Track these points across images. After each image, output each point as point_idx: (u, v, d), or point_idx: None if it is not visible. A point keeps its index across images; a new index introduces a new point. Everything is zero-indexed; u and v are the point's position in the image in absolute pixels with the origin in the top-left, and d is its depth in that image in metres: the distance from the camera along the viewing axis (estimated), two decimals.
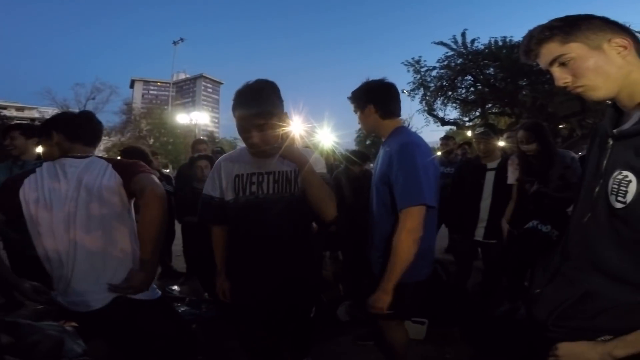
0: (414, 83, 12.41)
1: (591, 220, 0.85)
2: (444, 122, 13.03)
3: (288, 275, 1.39)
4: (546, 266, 1.00)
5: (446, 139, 4.87)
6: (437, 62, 11.80)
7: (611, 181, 0.79)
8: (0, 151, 2.49)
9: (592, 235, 0.84)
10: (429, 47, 12.54)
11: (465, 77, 11.98)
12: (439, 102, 12.62)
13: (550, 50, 0.84)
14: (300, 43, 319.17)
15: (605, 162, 0.83)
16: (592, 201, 0.85)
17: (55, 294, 1.38)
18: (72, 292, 1.33)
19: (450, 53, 11.43)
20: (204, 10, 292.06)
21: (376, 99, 1.61)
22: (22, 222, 1.36)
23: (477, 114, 13.06)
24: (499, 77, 11.32)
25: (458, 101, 12.80)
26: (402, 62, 12.23)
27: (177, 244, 4.00)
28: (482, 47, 11.07)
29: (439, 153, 4.80)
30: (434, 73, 12.07)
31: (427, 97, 12.42)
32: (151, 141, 29.47)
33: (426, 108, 12.72)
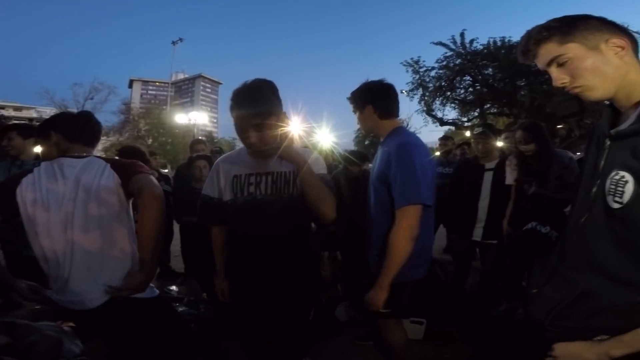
0: (412, 83, 12.43)
1: (589, 220, 0.85)
2: (442, 122, 13.05)
3: (287, 276, 1.38)
4: (543, 266, 1.00)
5: (445, 139, 4.87)
6: (436, 62, 11.82)
7: (608, 181, 0.79)
8: None
9: (589, 236, 0.84)
10: (428, 47, 12.57)
11: (464, 78, 12.01)
12: (437, 102, 12.65)
13: (548, 50, 0.84)
14: (299, 43, 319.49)
15: (602, 162, 0.83)
16: (590, 201, 0.85)
17: (51, 292, 1.38)
18: (69, 292, 1.32)
19: (449, 53, 11.45)
20: (203, 10, 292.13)
21: (375, 99, 1.63)
22: (19, 222, 1.36)
23: (476, 114, 13.08)
24: (497, 78, 11.34)
25: (457, 101, 12.82)
26: (401, 62, 12.25)
27: (176, 244, 3.99)
28: (481, 47, 11.10)
29: (437, 153, 4.80)
30: (432, 73, 12.09)
31: (426, 98, 12.44)
32: (150, 141, 29.42)
33: (425, 108, 12.74)
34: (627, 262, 0.77)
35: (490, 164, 2.66)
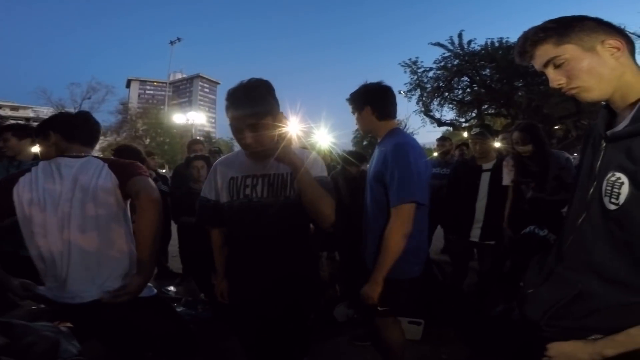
0: (410, 84, 12.48)
1: (585, 221, 0.85)
2: (440, 123, 13.10)
3: (285, 275, 1.37)
4: (541, 266, 1.00)
5: (442, 139, 4.88)
6: (434, 63, 11.88)
7: (605, 183, 0.79)
8: None
9: (586, 236, 0.85)
10: (426, 47, 12.60)
11: (462, 78, 12.06)
12: (435, 103, 12.70)
13: (544, 51, 0.85)
14: (298, 43, 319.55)
15: (598, 163, 0.84)
16: (587, 202, 0.85)
17: (44, 288, 1.37)
18: (67, 291, 1.32)
19: (447, 54, 11.51)
20: (202, 10, 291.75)
21: (373, 100, 1.68)
22: (14, 221, 1.35)
23: (473, 115, 13.14)
24: (495, 78, 11.40)
25: (454, 102, 12.87)
26: (399, 63, 12.30)
27: (173, 245, 3.98)
28: (479, 48, 11.15)
29: (435, 154, 4.80)
30: (430, 74, 12.15)
31: (424, 98, 12.48)
32: (147, 141, 29.36)
33: (423, 109, 12.78)
34: (623, 263, 0.77)
35: (488, 165, 2.67)
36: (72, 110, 24.33)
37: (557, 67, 0.84)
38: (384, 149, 1.61)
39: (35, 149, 2.50)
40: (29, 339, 1.23)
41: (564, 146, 9.53)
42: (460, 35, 11.21)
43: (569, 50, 0.81)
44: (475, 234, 2.66)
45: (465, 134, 11.51)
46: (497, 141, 3.04)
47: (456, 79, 11.96)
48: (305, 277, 1.43)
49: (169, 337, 1.52)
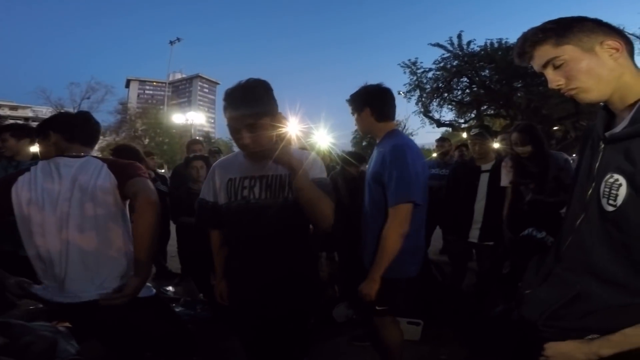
0: (410, 84, 12.51)
1: (584, 222, 0.85)
2: (439, 123, 13.12)
3: (285, 274, 1.36)
4: (539, 267, 1.00)
5: (442, 140, 4.88)
6: (433, 63, 11.91)
7: (603, 184, 0.79)
8: None
9: (584, 238, 0.85)
10: (426, 48, 12.65)
11: (461, 79, 12.08)
12: (434, 103, 12.72)
13: (543, 52, 0.85)
14: (297, 43, 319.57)
15: (597, 164, 0.84)
16: (585, 203, 0.85)
17: (41, 287, 1.37)
18: (65, 291, 1.31)
19: (447, 55, 11.53)
20: (201, 10, 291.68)
21: (373, 102, 1.71)
22: (13, 221, 1.35)
23: (473, 115, 13.17)
24: (494, 79, 11.43)
25: (454, 103, 12.90)
26: (399, 64, 12.32)
27: (172, 245, 3.98)
28: (478, 49, 11.18)
29: (434, 155, 4.80)
30: (430, 75, 12.18)
31: (423, 99, 12.51)
32: (146, 141, 29.34)
33: (422, 109, 12.80)
34: (621, 265, 0.78)
35: (487, 166, 2.68)
36: (71, 110, 24.33)
37: (556, 68, 0.84)
38: (383, 150, 1.64)
39: (34, 148, 2.50)
40: (26, 339, 1.23)
41: (563, 147, 9.55)
42: (459, 36, 11.24)
43: (568, 51, 0.81)
44: (474, 234, 2.66)
45: (465, 135, 11.53)
46: (496, 142, 3.05)
47: (455, 79, 11.98)
48: (304, 278, 1.43)
49: (167, 338, 1.52)
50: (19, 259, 1.84)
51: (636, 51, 0.90)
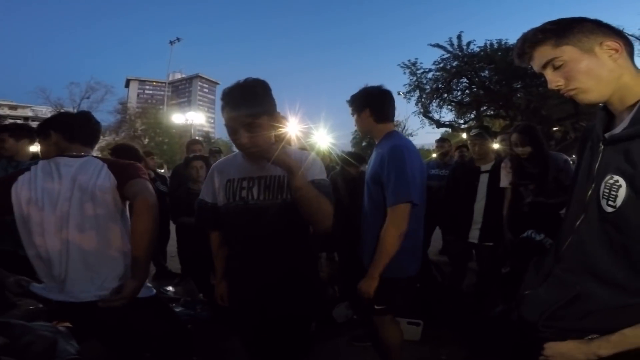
0: (409, 85, 12.51)
1: (583, 223, 0.85)
2: (439, 124, 13.11)
3: (284, 279, 1.35)
4: (539, 268, 1.00)
5: (441, 141, 4.87)
6: (433, 64, 11.91)
7: (603, 185, 0.79)
8: None
9: (584, 238, 0.85)
10: (426, 49, 12.66)
11: (461, 80, 12.08)
12: (434, 104, 12.72)
13: (543, 53, 0.85)
14: (297, 44, 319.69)
15: (596, 165, 0.84)
16: (585, 204, 0.85)
17: (40, 286, 1.37)
18: (66, 292, 1.31)
19: (446, 55, 11.53)
20: (201, 10, 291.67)
21: (373, 103, 1.74)
22: (13, 220, 1.35)
23: (472, 116, 13.17)
24: (493, 80, 11.43)
25: (453, 103, 12.90)
26: (399, 64, 12.32)
27: (172, 245, 3.98)
28: (478, 49, 11.18)
29: (434, 155, 4.80)
30: (429, 75, 12.17)
31: (423, 99, 12.51)
32: (146, 141, 29.32)
33: (422, 110, 12.80)
34: (620, 266, 0.78)
35: (486, 166, 2.68)
36: (71, 109, 24.32)
37: (555, 68, 0.84)
38: (381, 151, 1.66)
39: (34, 148, 2.50)
40: (26, 339, 1.23)
41: (563, 148, 9.54)
42: (459, 37, 11.25)
43: (567, 52, 0.82)
44: (474, 235, 2.66)
45: (464, 135, 11.53)
46: (495, 143, 3.05)
47: (455, 80, 11.98)
48: (304, 278, 1.42)
49: (167, 338, 1.52)
50: (18, 258, 1.84)
51: (636, 52, 0.90)
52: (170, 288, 3.37)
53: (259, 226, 1.32)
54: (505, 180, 2.51)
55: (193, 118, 27.88)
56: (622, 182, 0.75)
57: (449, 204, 2.89)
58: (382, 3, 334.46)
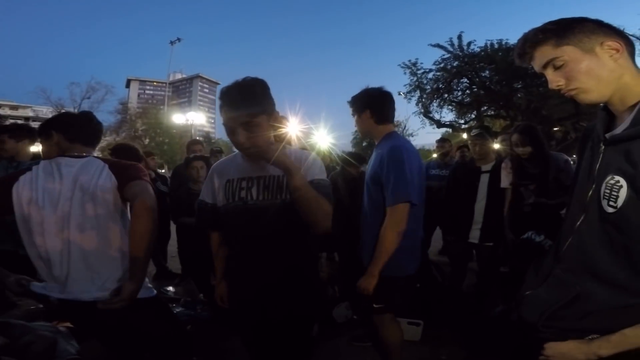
0: (410, 85, 12.51)
1: (584, 223, 0.85)
2: (439, 124, 13.11)
3: (283, 279, 1.34)
4: (538, 268, 1.00)
5: (442, 141, 4.87)
6: (434, 64, 11.90)
7: (603, 186, 0.79)
8: None
9: (584, 239, 0.85)
10: (426, 49, 12.64)
11: (461, 80, 12.08)
12: (435, 104, 12.72)
13: (543, 53, 0.85)
14: (298, 44, 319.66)
15: (597, 165, 0.84)
16: (585, 205, 0.85)
17: (40, 285, 1.37)
18: (67, 292, 1.31)
19: (447, 55, 11.53)
20: (202, 10, 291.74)
21: (373, 105, 1.78)
22: (12, 220, 1.35)
23: (473, 116, 13.17)
24: (494, 80, 11.42)
25: (454, 103, 12.89)
26: (399, 65, 12.31)
27: (172, 245, 3.98)
28: (478, 49, 11.18)
29: (435, 155, 4.80)
30: (430, 75, 12.17)
31: (424, 100, 12.50)
32: (146, 141, 29.36)
33: (422, 110, 12.80)
34: (621, 266, 0.78)
35: (487, 166, 2.68)
36: (71, 110, 24.34)
37: (556, 68, 0.84)
38: (381, 152, 1.70)
39: (34, 148, 2.50)
40: (26, 339, 1.23)
41: (563, 148, 9.54)
42: (459, 37, 11.25)
43: (567, 52, 0.82)
44: (475, 235, 2.66)
45: (465, 136, 11.53)
46: (496, 143, 3.05)
47: (456, 80, 11.98)
48: (303, 278, 1.41)
49: (166, 339, 1.52)
50: (19, 258, 1.84)
51: (636, 52, 0.90)
52: (170, 288, 3.38)
53: (258, 226, 1.31)
54: (505, 180, 2.50)
55: (193, 118, 27.89)
56: (623, 182, 0.75)
57: (449, 204, 2.89)
58: (382, 3, 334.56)
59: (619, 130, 0.81)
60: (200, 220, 1.48)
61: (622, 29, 0.84)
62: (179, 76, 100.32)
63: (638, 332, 0.74)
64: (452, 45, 11.34)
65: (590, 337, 0.80)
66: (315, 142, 3.94)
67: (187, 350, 1.57)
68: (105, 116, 28.69)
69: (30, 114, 43.90)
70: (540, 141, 2.38)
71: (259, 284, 1.36)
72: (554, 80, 0.85)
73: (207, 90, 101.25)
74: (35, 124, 2.18)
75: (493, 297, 2.65)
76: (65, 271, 1.30)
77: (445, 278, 3.10)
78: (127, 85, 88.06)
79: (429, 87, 12.27)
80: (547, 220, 2.12)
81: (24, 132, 2.40)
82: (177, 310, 2.72)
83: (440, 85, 12.07)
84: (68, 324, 1.46)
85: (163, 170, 21.30)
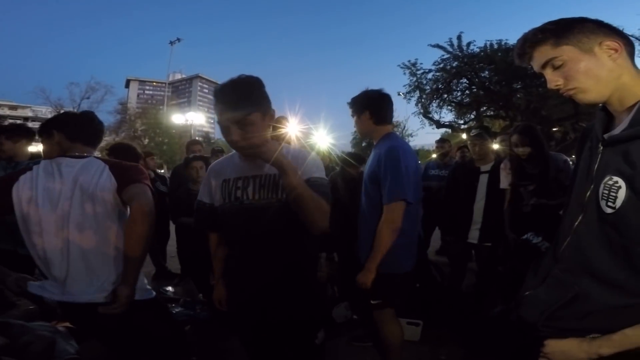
0: (409, 85, 12.48)
1: (582, 224, 0.85)
2: (439, 124, 13.10)
3: (281, 282, 1.33)
4: (537, 268, 1.00)
5: (441, 141, 4.87)
6: (433, 64, 11.87)
7: (602, 186, 0.79)
8: None
9: (582, 239, 0.85)
10: (426, 49, 12.63)
11: (461, 80, 12.06)
12: (434, 104, 12.69)
13: (542, 53, 0.85)
14: (297, 44, 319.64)
15: (595, 166, 0.84)
16: (583, 205, 0.85)
17: (39, 285, 1.36)
18: (66, 292, 1.31)
19: (446, 56, 11.50)
20: (202, 11, 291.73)
21: (372, 106, 1.83)
22: (12, 219, 1.35)
23: (472, 116, 13.15)
24: (493, 80, 11.41)
25: (453, 104, 12.88)
26: (399, 65, 12.29)
27: (172, 245, 3.98)
28: (478, 50, 11.15)
29: (434, 155, 4.80)
30: (429, 76, 12.14)
31: (423, 100, 12.48)
32: (146, 141, 29.35)
33: (422, 111, 12.78)
34: (619, 266, 0.78)
35: (486, 167, 2.68)
36: (71, 110, 24.30)
37: (555, 68, 0.84)
38: (379, 151, 1.75)
39: (32, 148, 2.50)
40: (25, 339, 1.23)
41: (563, 148, 9.53)
42: (459, 37, 11.22)
43: (566, 52, 0.82)
44: (474, 235, 2.66)
45: (464, 136, 11.52)
46: (495, 143, 3.05)
47: (455, 80, 11.96)
48: (301, 279, 1.39)
49: (164, 341, 1.52)
50: (18, 257, 1.84)
51: (636, 52, 0.90)
52: (169, 288, 3.38)
53: (255, 226, 1.29)
54: (505, 181, 2.50)
55: (193, 118, 27.88)
56: (621, 183, 0.75)
57: (448, 204, 2.89)
58: (382, 3, 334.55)
59: (617, 130, 0.81)
60: (199, 221, 1.47)
61: (621, 29, 0.84)
62: (178, 76, 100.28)
63: (639, 332, 0.75)
64: (451, 45, 11.33)
65: (591, 336, 0.81)
66: (314, 142, 3.94)
67: (186, 350, 1.57)
68: (105, 116, 28.66)
69: (29, 114, 43.87)
70: (540, 141, 2.38)
71: (257, 284, 1.35)
72: (553, 80, 0.85)
73: (206, 91, 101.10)
74: (34, 124, 2.18)
75: (492, 297, 2.65)
76: (65, 271, 1.30)
77: (445, 278, 3.10)
78: (127, 86, 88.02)
79: (428, 87, 12.26)
80: (547, 220, 2.12)
81: (21, 132, 2.40)
82: (177, 310, 2.72)
83: (440, 86, 12.05)
84: (67, 324, 1.45)
85: (162, 171, 21.26)
